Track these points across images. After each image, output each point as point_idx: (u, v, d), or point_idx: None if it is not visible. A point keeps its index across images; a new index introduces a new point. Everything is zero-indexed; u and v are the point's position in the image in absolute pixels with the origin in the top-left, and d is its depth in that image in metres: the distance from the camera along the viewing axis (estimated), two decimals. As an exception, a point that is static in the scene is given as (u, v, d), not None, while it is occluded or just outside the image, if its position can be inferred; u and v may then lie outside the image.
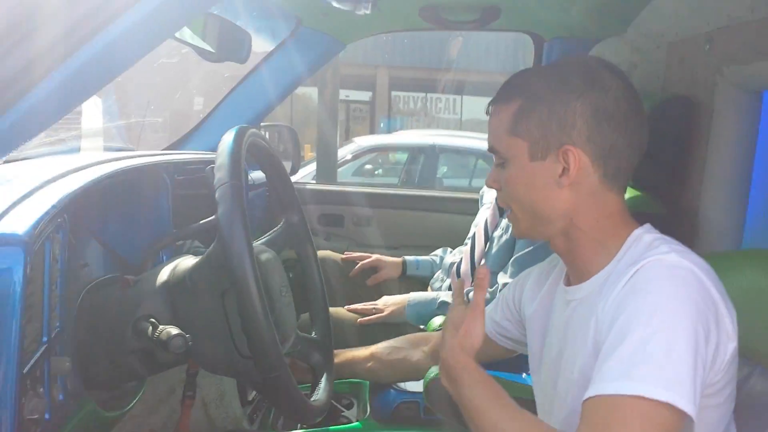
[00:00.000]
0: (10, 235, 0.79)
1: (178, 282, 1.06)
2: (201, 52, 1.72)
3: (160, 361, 1.08)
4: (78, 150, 1.97)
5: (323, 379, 1.25)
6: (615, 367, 0.83)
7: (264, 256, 1.12)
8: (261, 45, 2.35)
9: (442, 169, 7.16)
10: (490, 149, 1.05)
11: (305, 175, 6.73)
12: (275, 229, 1.32)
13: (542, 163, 0.98)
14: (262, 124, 2.58)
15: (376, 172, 8.22)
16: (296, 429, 1.64)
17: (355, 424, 1.62)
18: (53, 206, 0.89)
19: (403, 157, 7.36)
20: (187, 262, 1.09)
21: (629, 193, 1.93)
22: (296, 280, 1.39)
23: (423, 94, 17.37)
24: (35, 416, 0.83)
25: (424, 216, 2.74)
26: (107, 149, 2.13)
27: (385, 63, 17.49)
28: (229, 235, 0.93)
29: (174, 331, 0.97)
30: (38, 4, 0.80)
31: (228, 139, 1.06)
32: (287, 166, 2.86)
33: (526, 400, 1.09)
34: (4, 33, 0.76)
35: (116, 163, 1.23)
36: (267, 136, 4.92)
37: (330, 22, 2.31)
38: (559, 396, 1.06)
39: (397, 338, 1.53)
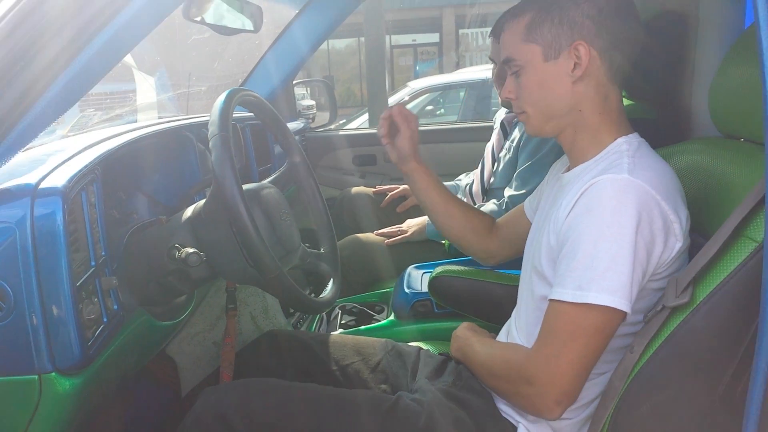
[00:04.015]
0: (51, 188, 1.07)
1: (196, 217, 1.33)
2: (216, 28, 1.96)
3: (193, 277, 1.35)
4: (135, 122, 2.28)
5: (330, 283, 1.51)
6: (570, 276, 1.04)
7: (265, 191, 1.37)
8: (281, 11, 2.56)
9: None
10: (506, 60, 1.18)
11: (363, 122, 6.95)
12: (279, 169, 1.56)
13: (555, 62, 1.14)
14: (295, 81, 2.81)
15: (437, 112, 8.34)
16: (335, 331, 1.92)
17: (384, 322, 1.92)
18: (85, 165, 1.17)
19: (461, 94, 7.46)
20: (202, 201, 1.36)
21: (624, 102, 2.07)
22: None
23: (490, 29, 17.06)
24: (92, 316, 1.13)
25: (448, 147, 2.92)
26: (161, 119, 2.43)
27: (450, 3, 17.30)
28: (221, 175, 1.17)
29: (190, 250, 1.26)
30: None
31: (219, 100, 1.29)
32: (325, 115, 3.12)
33: None
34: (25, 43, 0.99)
35: (144, 130, 1.51)
36: (308, 90, 5.15)
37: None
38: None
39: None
